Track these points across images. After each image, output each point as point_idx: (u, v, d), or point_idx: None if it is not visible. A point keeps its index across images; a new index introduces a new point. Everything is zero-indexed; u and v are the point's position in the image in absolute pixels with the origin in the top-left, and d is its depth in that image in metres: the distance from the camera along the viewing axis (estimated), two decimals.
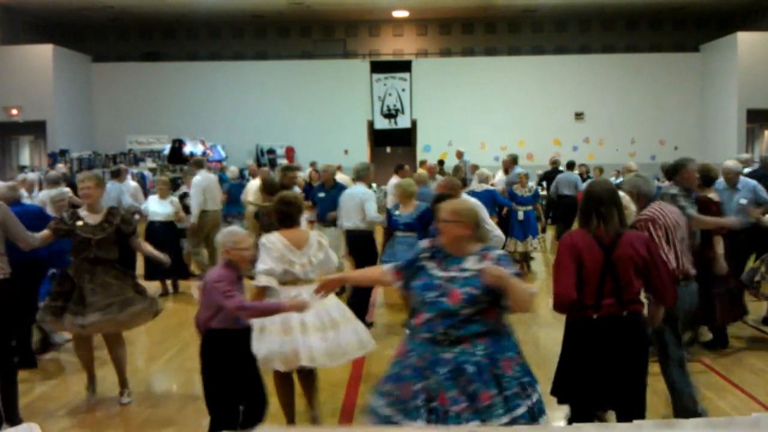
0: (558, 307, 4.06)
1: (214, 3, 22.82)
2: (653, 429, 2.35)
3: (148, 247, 6.16)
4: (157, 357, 7.27)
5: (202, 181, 10.71)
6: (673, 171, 6.37)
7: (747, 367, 6.53)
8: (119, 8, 23.36)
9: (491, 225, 7.07)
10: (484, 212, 6.41)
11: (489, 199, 9.96)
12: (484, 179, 10.78)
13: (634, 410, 4.10)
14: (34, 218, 6.27)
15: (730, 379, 6.20)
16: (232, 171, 14.13)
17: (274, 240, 4.88)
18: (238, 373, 4.36)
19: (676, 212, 4.93)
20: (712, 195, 6.78)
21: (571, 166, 15.06)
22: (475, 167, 13.61)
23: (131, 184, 12.24)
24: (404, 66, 24.73)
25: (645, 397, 4.25)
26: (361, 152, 24.07)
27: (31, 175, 13.56)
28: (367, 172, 8.87)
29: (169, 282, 10.42)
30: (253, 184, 11.48)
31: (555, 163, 16.25)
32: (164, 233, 9.83)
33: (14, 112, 22.47)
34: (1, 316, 5.11)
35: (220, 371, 4.32)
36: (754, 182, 7.61)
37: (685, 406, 4.91)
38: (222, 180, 13.54)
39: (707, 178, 6.85)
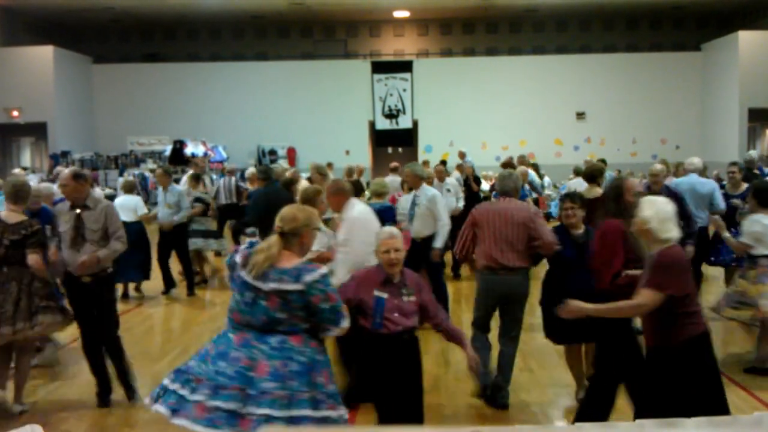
0: None
1: (215, 4, 22.83)
2: (655, 428, 2.34)
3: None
4: (161, 358, 7.26)
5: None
6: None
7: (750, 367, 6.50)
8: (120, 9, 23.38)
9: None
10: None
11: None
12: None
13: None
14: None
15: (732, 377, 6.19)
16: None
17: None
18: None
19: (493, 210, 5.69)
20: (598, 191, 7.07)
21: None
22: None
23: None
24: (405, 66, 24.74)
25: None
26: (362, 153, 24.09)
27: (32, 177, 13.57)
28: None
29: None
30: None
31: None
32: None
33: (15, 113, 22.49)
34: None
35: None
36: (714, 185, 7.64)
37: None
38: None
39: (590, 176, 7.05)
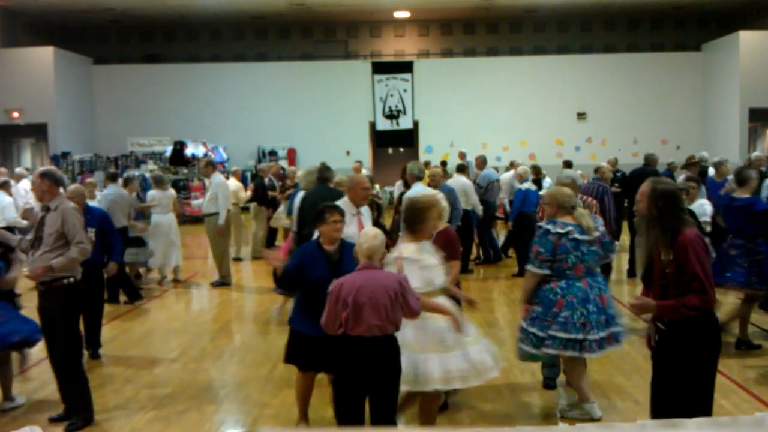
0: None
1: (215, 4, 22.82)
2: (657, 428, 2.32)
3: None
4: (161, 359, 7.24)
5: (109, 194, 9.59)
6: None
7: (750, 367, 6.49)
8: (120, 10, 23.37)
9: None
10: None
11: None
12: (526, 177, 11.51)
13: None
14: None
15: (733, 378, 6.17)
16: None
17: None
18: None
19: None
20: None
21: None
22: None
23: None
24: (406, 67, 24.71)
25: None
26: (363, 153, 24.07)
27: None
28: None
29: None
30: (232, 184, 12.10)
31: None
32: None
33: (15, 114, 22.47)
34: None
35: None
36: None
37: None
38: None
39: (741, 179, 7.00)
